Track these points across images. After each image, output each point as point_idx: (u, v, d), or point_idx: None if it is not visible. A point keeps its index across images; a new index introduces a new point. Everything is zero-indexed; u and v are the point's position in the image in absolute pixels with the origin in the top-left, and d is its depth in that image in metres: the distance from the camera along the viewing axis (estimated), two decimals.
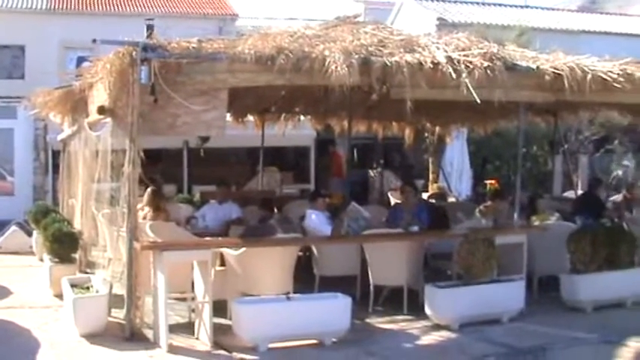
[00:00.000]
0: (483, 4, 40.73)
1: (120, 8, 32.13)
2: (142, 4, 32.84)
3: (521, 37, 26.12)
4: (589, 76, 10.73)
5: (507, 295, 10.63)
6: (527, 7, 43.09)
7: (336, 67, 9.07)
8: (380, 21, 12.67)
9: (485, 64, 9.96)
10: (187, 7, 33.75)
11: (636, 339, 9.65)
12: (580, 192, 19.42)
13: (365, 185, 24.97)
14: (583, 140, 28.34)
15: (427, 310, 10.36)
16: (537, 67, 10.69)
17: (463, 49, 10.28)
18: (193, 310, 10.13)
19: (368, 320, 10.68)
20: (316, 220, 12.20)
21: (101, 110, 9.80)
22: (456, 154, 22.60)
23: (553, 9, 44.22)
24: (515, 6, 42.39)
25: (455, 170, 22.73)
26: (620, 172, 28.83)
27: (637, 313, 11.20)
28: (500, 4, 41.58)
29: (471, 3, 40.18)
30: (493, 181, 22.71)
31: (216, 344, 9.25)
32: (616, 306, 11.39)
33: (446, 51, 10.07)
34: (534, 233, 12.16)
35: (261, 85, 9.95)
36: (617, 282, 11.49)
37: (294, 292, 10.07)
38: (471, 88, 9.64)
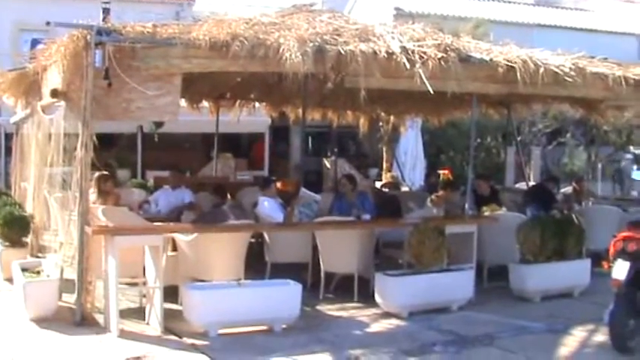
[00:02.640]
0: None
1: None
2: None
3: (477, 29, 26.25)
4: (541, 70, 10.87)
5: (457, 284, 10.74)
6: None
7: (291, 55, 9.10)
8: (337, 10, 12.65)
9: (440, 55, 10.05)
10: None
11: (582, 328, 9.83)
12: (532, 183, 19.62)
13: (319, 173, 25.07)
14: (536, 132, 28.64)
15: (377, 298, 10.44)
16: (491, 60, 10.79)
17: (418, 40, 10.35)
18: (144, 296, 10.11)
19: (318, 307, 10.74)
20: (268, 206, 12.23)
21: (54, 93, 9.73)
22: (410, 143, 22.74)
23: (510, 2, 44.46)
24: None
25: (409, 160, 22.87)
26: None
27: (583, 302, 11.37)
28: None
29: None
30: (446, 171, 22.86)
31: (167, 329, 9.25)
32: (563, 296, 11.60)
33: (400, 41, 10.13)
34: (484, 223, 12.29)
35: (215, 71, 9.95)
36: (564, 272, 11.71)
37: (246, 279, 10.08)
38: (425, 79, 9.73)
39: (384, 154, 23.09)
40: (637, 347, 8.58)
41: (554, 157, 31.72)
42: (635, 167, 32.31)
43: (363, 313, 10.42)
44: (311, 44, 9.38)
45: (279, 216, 12.03)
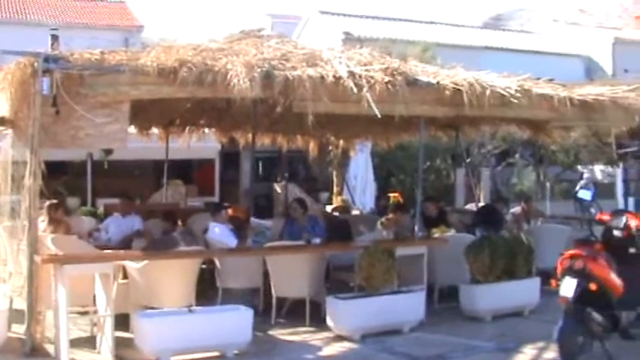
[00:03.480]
0: (389, 19, 41.22)
1: (25, 16, 31.65)
2: (47, 14, 32.38)
3: (425, 52, 26.53)
4: (488, 92, 11.00)
5: (408, 306, 10.79)
6: (432, 22, 43.74)
7: (238, 81, 9.13)
8: (285, 35, 12.74)
9: (387, 79, 10.14)
10: (93, 18, 33.44)
11: (532, 346, 9.94)
12: (481, 204, 19.78)
13: (270, 198, 25.09)
14: (485, 154, 28.87)
15: (329, 322, 10.46)
16: (438, 83, 10.91)
17: (365, 64, 10.45)
18: (95, 324, 10.02)
19: (270, 332, 10.71)
20: (219, 232, 12.20)
21: (2, 121, 9.68)
22: (360, 167, 22.80)
23: (457, 25, 44.96)
24: (421, 21, 43.00)
25: (359, 183, 22.91)
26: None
27: (533, 321, 11.50)
28: (405, 20, 42.14)
29: (377, 18, 40.62)
30: (396, 194, 22.97)
31: (118, 358, 9.18)
32: (514, 315, 11.71)
33: (348, 65, 10.20)
34: (434, 245, 12.38)
35: (163, 97, 9.94)
36: (514, 292, 11.82)
37: (197, 305, 10.04)
38: (372, 103, 9.79)
39: (334, 177, 23.15)
40: None
41: (504, 177, 32.02)
42: (580, 186, 32.81)
43: (315, 337, 10.43)
44: (259, 70, 9.43)
45: (230, 241, 12.01)
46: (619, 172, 34.47)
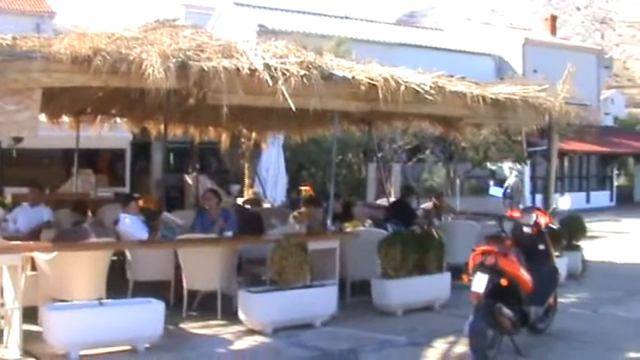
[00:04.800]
0: (304, 12, 41.26)
1: None
2: None
3: (339, 47, 26.58)
4: (402, 88, 11.08)
5: (320, 300, 10.78)
6: (347, 18, 43.91)
7: (153, 71, 9.01)
8: (200, 25, 12.60)
9: (302, 72, 10.10)
10: (4, 3, 32.74)
11: (443, 340, 10.03)
12: (393, 199, 19.92)
13: (181, 189, 24.86)
14: (396, 149, 29.10)
15: (241, 315, 10.39)
16: (353, 77, 10.93)
17: (281, 57, 10.40)
18: (2, 317, 9.76)
19: (182, 325, 10.62)
20: (130, 223, 12.02)
21: None
22: (272, 160, 22.77)
23: (372, 21, 45.23)
24: (335, 16, 43.14)
25: (270, 176, 22.88)
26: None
27: (444, 315, 11.61)
28: (320, 14, 42.24)
29: (292, 11, 40.61)
30: (307, 188, 23.01)
31: (26, 352, 8.97)
32: (425, 309, 11.82)
33: (263, 58, 10.14)
34: (347, 239, 12.41)
35: (76, 85, 9.74)
36: (425, 286, 11.93)
37: (107, 298, 9.85)
38: (287, 96, 9.76)
39: (246, 170, 23.08)
40: (496, 357, 8.81)
41: (414, 173, 32.37)
42: (492, 183, 33.33)
43: (227, 331, 10.36)
44: (174, 60, 9.31)
45: (141, 233, 11.85)
46: (527, 169, 35.18)
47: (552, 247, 10.43)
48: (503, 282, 8.85)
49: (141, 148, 25.38)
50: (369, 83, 10.93)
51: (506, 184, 30.02)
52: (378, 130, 18.39)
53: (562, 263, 12.80)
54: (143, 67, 9.07)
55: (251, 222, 13.64)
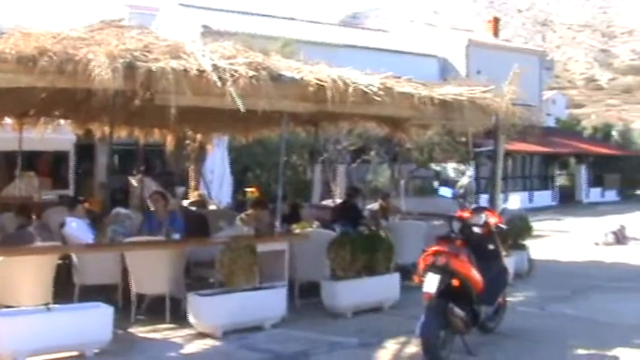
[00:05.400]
0: (248, 13, 41.17)
1: None
2: None
3: (285, 48, 26.53)
4: (351, 89, 11.05)
5: (270, 302, 10.72)
6: (292, 19, 43.90)
7: (101, 71, 8.87)
8: (145, 26, 12.46)
9: (251, 73, 10.04)
10: None
11: (394, 341, 10.02)
12: (338, 200, 19.91)
13: (126, 192, 24.61)
14: (341, 150, 29.13)
15: (190, 319, 10.30)
16: (302, 78, 10.88)
17: (229, 58, 10.31)
18: None
19: (131, 330, 10.47)
20: (76, 227, 11.87)
21: None
22: (217, 161, 22.65)
23: (317, 22, 45.28)
24: (281, 17, 43.11)
25: (216, 178, 22.76)
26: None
27: (394, 316, 11.60)
28: (265, 15, 42.18)
29: (237, 12, 40.51)
30: (253, 189, 22.93)
31: None
32: (374, 310, 11.79)
33: (212, 59, 10.05)
34: (295, 241, 12.37)
35: (21, 86, 9.56)
36: (375, 287, 11.92)
37: (54, 303, 9.69)
38: (236, 97, 9.67)
39: (191, 172, 22.90)
40: (448, 357, 8.84)
41: (359, 174, 32.43)
42: (436, 184, 33.53)
43: (176, 335, 10.25)
44: (121, 60, 9.18)
45: (87, 236, 11.70)
46: (471, 170, 35.44)
47: (501, 247, 10.49)
48: (455, 282, 8.87)
49: (85, 150, 25.10)
50: (317, 84, 10.89)
51: (459, 185, 30.20)
52: (324, 131, 18.37)
53: (509, 262, 12.88)
54: (90, 67, 8.93)
55: (197, 224, 13.56)
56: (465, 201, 11.01)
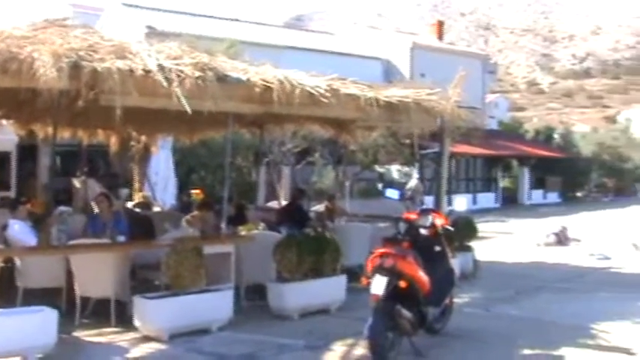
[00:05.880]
0: (193, 14, 40.97)
1: None
2: None
3: (230, 49, 26.43)
4: (297, 90, 11.01)
5: (216, 305, 10.64)
6: (236, 20, 43.78)
7: (45, 71, 8.73)
8: (90, 25, 12.30)
9: (197, 73, 9.96)
10: None
11: (341, 343, 10.00)
12: (284, 202, 19.89)
13: (69, 193, 24.33)
14: (286, 152, 29.11)
15: (136, 322, 10.17)
16: (248, 79, 10.82)
17: (175, 58, 10.22)
18: None
19: (75, 334, 10.31)
20: (19, 229, 11.68)
21: None
22: (162, 163, 22.50)
23: (261, 24, 45.21)
24: (225, 19, 42.97)
25: (160, 179, 22.61)
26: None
27: (341, 318, 11.62)
28: (209, 16, 42.02)
29: (181, 13, 40.31)
30: (198, 191, 22.79)
31: None
32: (321, 312, 11.78)
33: (157, 59, 9.95)
34: (242, 243, 12.32)
35: None
36: (321, 289, 11.92)
37: None
38: (182, 98, 9.59)
39: (135, 173, 22.71)
40: (396, 358, 8.84)
41: (304, 176, 32.43)
42: (380, 185, 33.68)
43: (122, 338, 10.12)
44: (66, 60, 9.04)
45: (30, 239, 11.52)
46: (415, 172, 35.58)
47: (448, 249, 10.54)
48: (402, 284, 8.88)
49: (27, 150, 24.78)
50: (263, 85, 10.85)
51: (407, 187, 30.38)
52: (269, 132, 18.33)
53: (455, 264, 12.95)
54: (35, 66, 8.79)
55: (142, 226, 13.47)
56: (414, 203, 11.05)
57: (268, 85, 10.84)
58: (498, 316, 12.28)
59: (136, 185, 21.88)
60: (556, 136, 61.75)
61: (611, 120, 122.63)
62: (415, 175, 32.36)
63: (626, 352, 9.85)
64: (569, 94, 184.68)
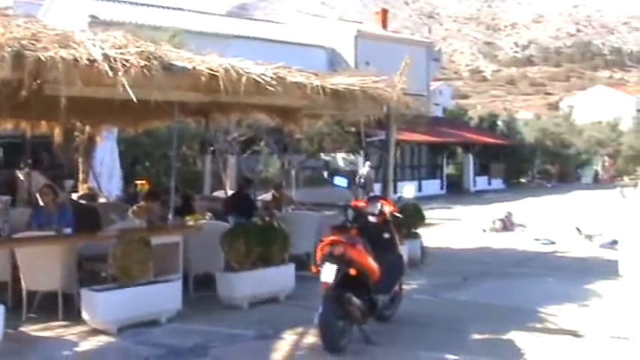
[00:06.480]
0: (135, 3, 40.62)
1: None
2: None
3: (174, 38, 26.24)
4: (244, 78, 10.96)
5: (165, 296, 10.57)
6: (179, 9, 43.48)
7: None
8: (32, 15, 12.13)
9: (143, 63, 9.86)
10: None
11: (292, 332, 9.98)
12: (230, 192, 19.81)
13: (13, 186, 24.01)
14: (231, 141, 29.01)
15: (84, 315, 10.04)
16: (194, 68, 10.73)
17: (120, 47, 10.10)
18: None
19: (22, 329, 10.16)
20: None
21: None
22: (107, 153, 22.31)
23: (205, 13, 44.95)
24: (168, 7, 42.67)
25: (105, 170, 22.42)
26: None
27: (290, 307, 11.61)
28: (152, 5, 41.70)
29: (124, 2, 39.95)
30: (144, 182, 22.61)
31: None
32: (271, 301, 11.76)
33: (102, 48, 9.83)
34: (189, 233, 12.25)
35: None
36: (271, 278, 11.92)
37: None
38: (128, 87, 9.49)
39: (80, 164, 22.47)
40: (347, 346, 8.86)
41: (249, 165, 32.37)
42: (326, 174, 33.70)
43: (70, 332, 9.99)
44: (9, 49, 8.87)
45: None
46: (360, 160, 35.72)
47: (397, 236, 10.57)
48: (352, 271, 8.90)
49: None
50: (209, 74, 10.77)
51: (359, 174, 30.50)
52: (215, 121, 18.23)
53: (403, 251, 13.00)
54: None
55: (88, 217, 13.33)
56: (365, 190, 11.06)
57: (214, 73, 10.77)
58: (447, 301, 12.37)
59: (81, 176, 21.64)
60: (500, 123, 62.27)
61: (554, 107, 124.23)
62: (367, 163, 32.46)
63: (574, 334, 9.97)
64: (512, 82, 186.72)
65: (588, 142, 67.55)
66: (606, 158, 67.42)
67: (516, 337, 9.81)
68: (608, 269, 14.28)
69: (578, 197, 40.06)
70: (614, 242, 15.78)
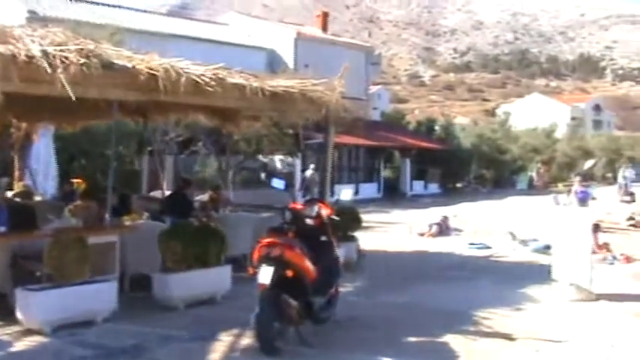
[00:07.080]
0: (75, 0, 40.23)
1: None
2: None
3: (113, 36, 26.05)
4: (183, 78, 10.95)
5: (100, 296, 10.49)
6: (119, 7, 43.14)
7: None
8: None
9: (82, 60, 9.79)
10: None
11: (228, 333, 9.98)
12: (167, 192, 19.73)
13: None
14: (168, 141, 28.86)
15: (18, 315, 9.93)
16: (133, 67, 10.69)
17: (59, 44, 10.02)
18: None
19: None
20: None
21: None
22: (43, 151, 22.04)
23: (145, 11, 44.68)
24: (108, 5, 42.32)
25: (41, 168, 22.15)
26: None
27: (227, 308, 11.61)
28: (92, 2, 41.33)
29: None
30: (80, 180, 22.40)
31: None
32: (207, 302, 11.75)
33: (41, 45, 9.74)
34: (126, 233, 12.19)
35: None
36: (207, 279, 11.91)
37: None
38: (66, 84, 9.43)
39: (16, 162, 22.19)
40: (283, 348, 8.90)
41: (187, 165, 32.25)
42: (263, 175, 33.73)
43: (3, 332, 9.85)
44: None
45: None
46: (298, 162, 35.79)
47: (334, 238, 10.62)
48: (289, 273, 8.95)
49: None
50: (149, 73, 10.73)
51: (302, 177, 30.60)
52: (153, 121, 18.15)
53: (340, 253, 13.07)
54: None
55: (23, 216, 13.11)
56: (309, 193, 11.10)
57: (153, 72, 10.73)
58: (383, 304, 12.46)
59: (16, 174, 21.38)
60: (437, 128, 62.70)
61: (491, 113, 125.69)
62: (312, 165, 32.53)
63: (507, 337, 10.13)
64: (450, 87, 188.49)
65: (524, 148, 68.33)
66: (541, 165, 68.26)
67: (451, 340, 9.93)
68: (541, 274, 14.47)
69: (513, 203, 40.54)
70: (548, 247, 16.01)
